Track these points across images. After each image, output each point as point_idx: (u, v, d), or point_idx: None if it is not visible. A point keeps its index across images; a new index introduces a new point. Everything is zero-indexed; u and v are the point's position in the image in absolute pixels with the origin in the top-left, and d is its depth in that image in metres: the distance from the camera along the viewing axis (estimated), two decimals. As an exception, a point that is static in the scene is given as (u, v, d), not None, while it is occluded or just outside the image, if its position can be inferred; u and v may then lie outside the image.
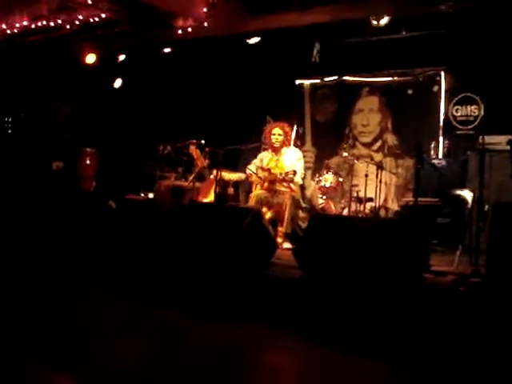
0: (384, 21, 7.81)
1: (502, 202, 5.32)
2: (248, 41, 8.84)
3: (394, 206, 8.72)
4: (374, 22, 7.82)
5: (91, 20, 8.46)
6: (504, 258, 4.15)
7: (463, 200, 6.52)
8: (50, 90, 10.85)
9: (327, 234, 5.05)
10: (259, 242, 5.58)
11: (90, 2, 7.71)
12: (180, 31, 8.39)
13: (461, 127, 8.55)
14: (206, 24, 8.19)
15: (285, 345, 4.46)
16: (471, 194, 6.42)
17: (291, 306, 4.91)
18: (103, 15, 8.34)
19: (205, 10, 8.07)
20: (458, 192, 6.66)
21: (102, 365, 3.63)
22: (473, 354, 3.89)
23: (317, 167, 9.55)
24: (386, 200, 8.88)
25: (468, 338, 3.99)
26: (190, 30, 8.37)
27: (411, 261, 4.78)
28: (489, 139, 7.36)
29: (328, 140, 9.82)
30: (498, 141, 7.17)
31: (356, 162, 8.56)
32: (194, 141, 8.23)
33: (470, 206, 6.33)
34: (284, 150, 7.79)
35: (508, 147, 6.14)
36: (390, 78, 9.28)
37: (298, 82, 10.31)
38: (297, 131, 10.23)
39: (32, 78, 10.68)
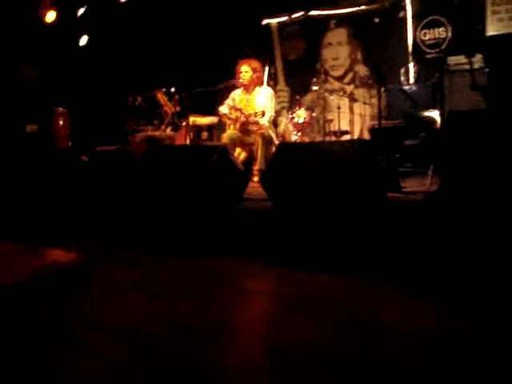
0: None
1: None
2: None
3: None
4: None
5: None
6: (458, 163, 4.18)
7: (431, 121, 6.54)
8: (16, 54, 10.70)
9: (293, 161, 5.05)
10: (229, 178, 5.59)
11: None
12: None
13: (430, 51, 8.51)
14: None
15: (258, 270, 4.56)
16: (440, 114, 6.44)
17: (262, 236, 4.97)
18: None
19: None
20: (426, 113, 6.68)
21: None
22: (427, 260, 3.99)
23: (292, 105, 9.53)
24: (361, 131, 8.90)
25: (423, 245, 4.07)
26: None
27: (375, 181, 4.81)
28: (457, 60, 7.37)
29: (300, 77, 9.78)
30: (465, 61, 7.16)
31: (327, 95, 8.54)
32: (162, 88, 8.16)
33: (438, 126, 6.34)
34: (257, 89, 7.71)
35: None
36: (356, 8, 9.18)
37: (264, 21, 10.20)
38: (269, 71, 10.17)
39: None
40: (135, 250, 5.34)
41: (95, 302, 3.83)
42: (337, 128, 8.33)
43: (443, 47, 8.36)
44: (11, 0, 9.61)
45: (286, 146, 6.07)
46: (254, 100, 7.61)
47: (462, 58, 7.13)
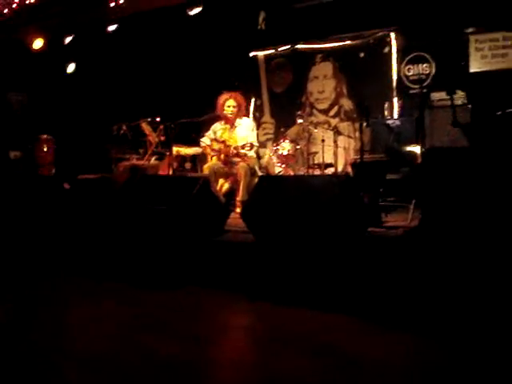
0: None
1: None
2: (189, 12, 8.75)
3: (354, 171, 8.77)
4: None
5: (27, 2, 8.32)
6: (437, 199, 4.20)
7: (414, 156, 6.58)
8: (3, 80, 10.72)
9: (274, 194, 5.06)
10: (210, 209, 5.59)
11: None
12: (113, 4, 8.28)
13: (413, 86, 8.60)
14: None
15: (237, 305, 4.52)
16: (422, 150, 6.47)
17: (242, 270, 4.94)
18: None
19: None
20: (409, 148, 6.72)
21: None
22: (406, 294, 3.97)
23: (276, 137, 9.55)
24: (346, 164, 8.91)
25: (402, 279, 4.06)
26: (121, 1, 8.25)
27: (356, 216, 4.81)
28: (440, 96, 7.45)
29: (286, 109, 9.80)
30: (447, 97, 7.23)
31: (312, 128, 8.57)
32: (147, 118, 8.17)
33: (420, 161, 6.36)
34: (238, 121, 7.71)
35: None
36: (342, 43, 9.29)
37: (252, 54, 10.28)
38: (255, 103, 10.23)
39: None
40: (114, 281, 5.30)
41: (70, 332, 3.78)
42: (321, 161, 8.33)
43: (426, 83, 8.45)
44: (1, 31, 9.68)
45: (267, 178, 6.09)
46: (236, 132, 7.61)
47: (444, 94, 7.21)
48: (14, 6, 8.56)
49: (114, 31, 9.44)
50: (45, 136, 10.03)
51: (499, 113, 6.41)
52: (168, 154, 7.88)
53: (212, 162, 7.40)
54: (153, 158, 8.59)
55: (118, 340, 3.61)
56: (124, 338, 3.65)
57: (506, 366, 3.06)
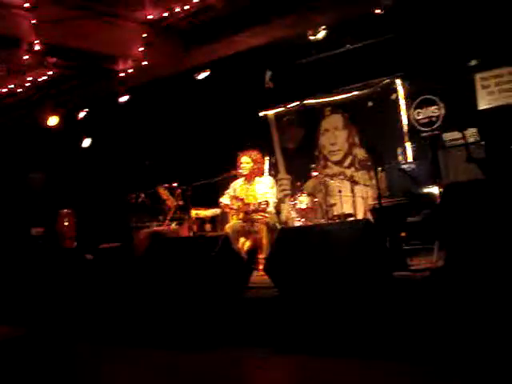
0: (321, 34, 7.96)
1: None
2: (197, 77, 8.96)
3: (374, 219, 8.73)
4: (312, 38, 7.97)
5: (40, 79, 8.60)
6: (459, 235, 4.15)
7: (432, 196, 6.55)
8: (22, 160, 10.98)
9: (296, 245, 5.04)
10: (232, 267, 5.56)
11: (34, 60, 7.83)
12: (122, 74, 8.50)
13: (424, 129, 8.64)
14: (145, 63, 8.30)
15: (265, 359, 4.45)
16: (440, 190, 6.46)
17: (267, 324, 4.88)
18: (50, 72, 8.49)
19: (141, 49, 8.21)
20: (426, 190, 6.70)
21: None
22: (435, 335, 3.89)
23: (293, 192, 9.57)
24: (365, 213, 8.88)
25: (430, 319, 3.98)
26: (130, 71, 8.47)
27: (380, 260, 4.76)
28: (452, 136, 7.49)
29: (300, 164, 9.84)
30: (460, 136, 7.26)
31: (328, 180, 8.61)
32: (164, 184, 8.27)
33: (439, 201, 6.33)
34: (257, 179, 7.75)
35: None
36: (349, 94, 9.41)
37: (262, 113, 10.43)
38: (270, 161, 10.32)
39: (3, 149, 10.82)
40: (142, 346, 5.24)
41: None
42: (340, 212, 8.32)
43: (437, 125, 8.49)
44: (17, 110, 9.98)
45: (287, 230, 6.09)
46: (255, 189, 7.62)
47: (456, 134, 7.24)
48: (28, 84, 8.81)
49: (125, 101, 9.65)
50: (65, 210, 10.18)
51: (513, 146, 6.40)
52: (187, 217, 7.94)
53: (233, 221, 7.41)
54: (173, 224, 8.64)
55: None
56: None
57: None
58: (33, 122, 10.27)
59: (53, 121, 10.02)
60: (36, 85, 9.09)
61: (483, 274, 4.00)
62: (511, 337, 3.63)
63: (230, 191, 7.77)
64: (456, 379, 3.47)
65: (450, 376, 3.54)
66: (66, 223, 10.06)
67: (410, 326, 4.14)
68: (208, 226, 8.37)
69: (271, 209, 7.37)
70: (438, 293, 4.14)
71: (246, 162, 7.68)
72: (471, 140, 7.21)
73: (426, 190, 6.68)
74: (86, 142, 10.95)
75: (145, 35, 8.18)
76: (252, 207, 7.27)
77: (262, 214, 7.28)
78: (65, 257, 7.49)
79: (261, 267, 7.01)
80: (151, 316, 5.53)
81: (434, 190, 6.66)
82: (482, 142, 7.05)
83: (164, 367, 4.66)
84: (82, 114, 10.40)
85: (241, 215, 7.46)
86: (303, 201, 8.23)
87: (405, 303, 4.32)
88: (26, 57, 7.81)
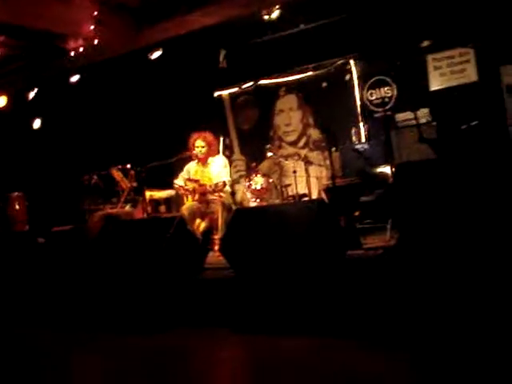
0: (275, 14, 7.95)
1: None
2: (150, 56, 8.86)
3: (329, 198, 8.80)
4: (266, 17, 7.95)
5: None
6: (411, 214, 4.21)
7: (385, 176, 6.64)
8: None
9: (250, 226, 5.04)
10: (188, 249, 5.54)
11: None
12: (73, 53, 8.33)
13: (377, 109, 8.74)
14: (96, 42, 8.15)
15: (222, 339, 4.47)
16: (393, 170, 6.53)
17: (224, 305, 4.89)
18: (-2, 51, 8.29)
19: (92, 27, 8.05)
20: (379, 169, 6.79)
21: None
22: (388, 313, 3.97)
23: (248, 173, 9.58)
24: (319, 193, 8.94)
25: (384, 297, 4.05)
26: (81, 49, 8.31)
27: (334, 240, 4.82)
28: (404, 116, 7.57)
29: (255, 145, 9.86)
30: (412, 116, 7.36)
31: (283, 160, 8.64)
32: (117, 165, 8.16)
33: (391, 180, 6.41)
34: (210, 159, 7.71)
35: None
36: (304, 75, 9.43)
37: (216, 93, 10.37)
38: (224, 142, 10.26)
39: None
40: (94, 330, 5.20)
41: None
42: (295, 192, 8.37)
43: (390, 105, 8.60)
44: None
45: (242, 211, 6.07)
46: (210, 171, 7.59)
47: (408, 114, 7.33)
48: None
49: (76, 81, 9.46)
50: (16, 193, 9.94)
51: (464, 126, 6.52)
52: (141, 199, 7.86)
53: (189, 203, 7.36)
54: (127, 206, 8.54)
55: None
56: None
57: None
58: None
59: (1, 101, 9.77)
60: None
61: (434, 252, 4.08)
62: (453, 314, 3.73)
63: (183, 173, 7.71)
64: (400, 352, 3.55)
65: (394, 349, 3.62)
66: (17, 206, 9.82)
67: (363, 303, 4.20)
68: (162, 208, 8.33)
69: (226, 188, 7.37)
70: (390, 270, 4.21)
71: (200, 145, 7.60)
72: (423, 120, 7.31)
73: (378, 170, 6.77)
74: (37, 123, 10.72)
75: (96, 13, 8.00)
76: (209, 188, 7.25)
77: (218, 194, 7.27)
78: (16, 240, 7.33)
79: (217, 248, 7.01)
80: (106, 300, 5.46)
81: (387, 169, 6.75)
82: (434, 123, 7.16)
83: (115, 348, 4.63)
84: (31, 94, 10.16)
85: (196, 196, 7.43)
86: (258, 181, 8.24)
87: (358, 281, 4.38)
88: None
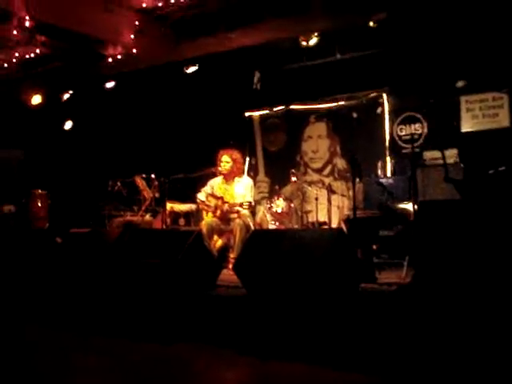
0: (313, 41, 8.01)
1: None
2: (186, 70, 8.97)
3: (348, 229, 8.77)
4: (304, 43, 8.01)
5: (27, 56, 8.51)
6: (429, 253, 4.18)
7: (407, 212, 6.59)
8: (1, 136, 10.86)
9: (267, 248, 5.03)
10: (202, 264, 5.55)
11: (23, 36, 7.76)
12: (110, 59, 8.46)
13: (406, 145, 8.72)
14: (134, 51, 8.28)
15: (227, 360, 4.44)
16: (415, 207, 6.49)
17: (233, 324, 4.87)
18: (38, 50, 8.42)
19: (132, 36, 8.18)
20: (401, 205, 6.75)
21: None
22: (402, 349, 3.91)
23: (271, 195, 9.60)
24: (339, 223, 8.91)
25: (396, 334, 4.00)
26: (119, 57, 8.44)
27: (349, 271, 4.79)
28: (432, 155, 7.55)
29: (280, 168, 9.88)
30: (440, 156, 7.33)
31: (305, 186, 8.64)
32: (142, 174, 8.23)
33: (412, 217, 6.37)
34: (236, 179, 7.73)
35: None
36: (335, 104, 9.47)
37: (247, 114, 10.45)
38: (249, 162, 10.32)
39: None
40: (103, 335, 5.20)
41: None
42: (315, 219, 8.36)
43: (419, 143, 8.57)
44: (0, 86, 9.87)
45: (260, 232, 6.08)
46: (233, 190, 7.61)
47: (436, 153, 7.30)
48: (14, 60, 8.71)
49: (111, 88, 9.60)
50: (39, 191, 10.06)
51: (491, 171, 6.47)
52: (162, 210, 7.89)
53: (209, 219, 7.38)
54: (147, 215, 8.59)
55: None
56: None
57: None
58: (16, 99, 10.16)
59: (36, 99, 9.93)
60: (22, 62, 9.00)
61: (449, 294, 4.04)
62: (467, 357, 3.68)
63: (206, 188, 7.74)
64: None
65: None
66: (40, 204, 9.94)
67: (373, 337, 4.16)
68: (182, 221, 8.35)
69: (245, 211, 7.38)
70: (402, 308, 4.17)
71: (226, 161, 7.65)
72: (451, 161, 7.28)
73: (401, 206, 6.73)
74: (68, 125, 10.88)
75: (137, 23, 8.13)
76: (233, 207, 7.25)
77: (239, 213, 7.28)
78: (34, 237, 7.40)
79: (231, 266, 7.01)
80: (118, 306, 5.49)
81: (409, 206, 6.70)
82: (462, 164, 7.13)
83: (117, 354, 4.64)
84: (66, 96, 10.32)
85: (218, 213, 7.44)
86: (279, 205, 8.25)
87: (370, 315, 4.34)
88: (15, 32, 7.73)
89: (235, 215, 7.28)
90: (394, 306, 4.41)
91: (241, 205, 7.19)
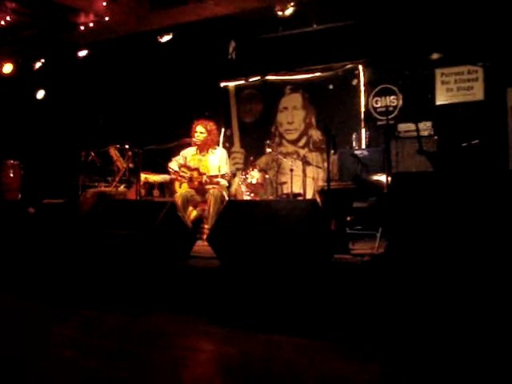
0: (289, 11, 7.94)
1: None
2: (160, 39, 8.85)
3: (322, 200, 8.81)
4: (280, 13, 7.94)
5: (-3, 23, 8.36)
6: (403, 224, 4.22)
7: (380, 184, 6.62)
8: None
9: (241, 219, 5.03)
10: (176, 235, 5.53)
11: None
12: (83, 27, 8.32)
13: (381, 117, 8.75)
14: (107, 19, 8.15)
15: (199, 329, 4.45)
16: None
17: (205, 295, 4.89)
18: (8, 18, 8.23)
19: (104, 3, 8.04)
20: (376, 177, 6.77)
21: None
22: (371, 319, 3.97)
23: (246, 166, 9.60)
24: (314, 195, 8.95)
25: (368, 304, 4.05)
26: (91, 25, 8.31)
27: (322, 241, 4.82)
28: (407, 127, 7.59)
29: (255, 139, 9.89)
30: (414, 128, 7.38)
31: (280, 157, 8.63)
32: (116, 144, 8.14)
33: (385, 189, 6.41)
34: (210, 150, 7.69)
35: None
36: (311, 75, 9.44)
37: (222, 84, 10.37)
38: (225, 133, 10.28)
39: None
40: (77, 306, 5.19)
41: (28, 358, 3.68)
42: (289, 190, 8.38)
43: (394, 115, 8.61)
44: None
45: (234, 203, 6.04)
46: (208, 161, 7.57)
47: (411, 126, 7.36)
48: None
49: (84, 57, 9.44)
50: (11, 161, 9.91)
51: (465, 144, 6.53)
52: (136, 180, 7.83)
53: (184, 190, 7.33)
54: (121, 186, 8.52)
55: (77, 368, 3.49)
56: (82, 365, 3.53)
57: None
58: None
59: (7, 68, 9.74)
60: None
61: (421, 264, 4.08)
62: (436, 326, 3.74)
63: (178, 158, 7.66)
64: (375, 360, 3.55)
65: (369, 356, 3.62)
66: (12, 174, 9.81)
67: (345, 307, 4.20)
68: (156, 192, 8.31)
69: (224, 182, 7.37)
70: (375, 278, 4.21)
71: (200, 131, 7.59)
72: (425, 133, 7.33)
73: (375, 178, 6.76)
74: (40, 94, 10.70)
75: (109, -10, 8.00)
76: (208, 179, 7.22)
77: (215, 185, 7.26)
78: (7, 208, 7.30)
79: (205, 237, 7.01)
80: (92, 276, 5.46)
81: (383, 178, 6.74)
82: (436, 137, 7.18)
83: (88, 325, 4.64)
84: (38, 65, 10.13)
85: (195, 184, 7.40)
86: (254, 176, 8.25)
87: (343, 285, 4.38)
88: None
89: (211, 186, 7.25)
90: (366, 276, 4.45)
91: (222, 176, 7.18)
